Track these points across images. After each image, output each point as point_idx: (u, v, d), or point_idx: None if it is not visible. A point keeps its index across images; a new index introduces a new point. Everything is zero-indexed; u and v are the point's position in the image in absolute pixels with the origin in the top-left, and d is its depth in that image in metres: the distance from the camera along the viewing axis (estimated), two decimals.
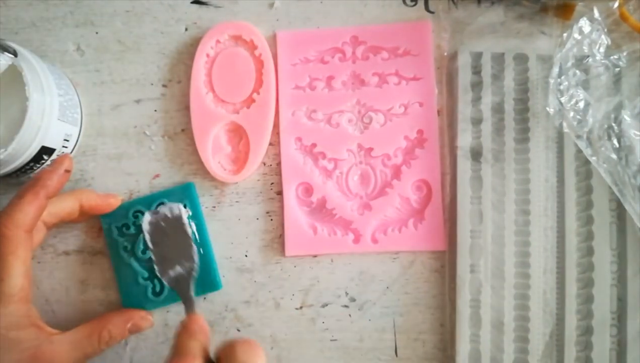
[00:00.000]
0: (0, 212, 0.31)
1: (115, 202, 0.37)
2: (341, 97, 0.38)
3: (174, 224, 0.36)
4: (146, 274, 0.36)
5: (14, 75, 0.32)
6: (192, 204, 0.37)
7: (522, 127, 0.36)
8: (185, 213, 0.36)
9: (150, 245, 0.35)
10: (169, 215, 0.36)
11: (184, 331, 0.30)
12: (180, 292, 0.34)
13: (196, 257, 0.35)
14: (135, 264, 0.36)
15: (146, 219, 0.36)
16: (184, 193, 0.37)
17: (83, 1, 0.39)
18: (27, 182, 0.32)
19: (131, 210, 0.37)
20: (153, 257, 0.35)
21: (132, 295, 0.37)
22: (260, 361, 0.27)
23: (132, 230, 0.37)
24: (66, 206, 0.34)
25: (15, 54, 0.32)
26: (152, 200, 0.37)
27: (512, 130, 0.36)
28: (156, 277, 0.36)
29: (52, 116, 0.34)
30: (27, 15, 0.39)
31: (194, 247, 0.35)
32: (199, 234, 0.37)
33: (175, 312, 0.38)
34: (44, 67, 0.34)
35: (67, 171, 0.33)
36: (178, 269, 0.35)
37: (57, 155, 0.36)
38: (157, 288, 0.36)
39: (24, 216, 0.31)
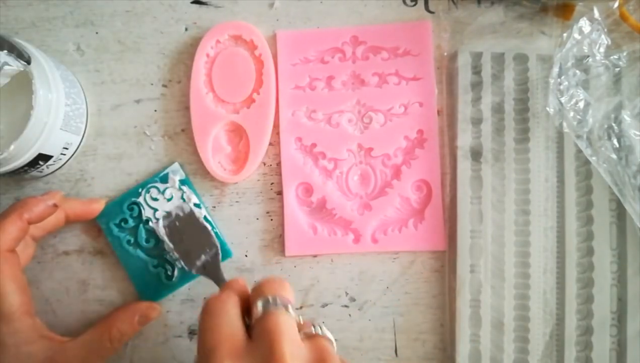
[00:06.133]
0: None
1: (99, 207, 0.37)
2: (341, 97, 0.38)
3: (187, 220, 0.36)
4: (155, 261, 0.37)
5: (24, 75, 0.32)
6: (183, 181, 0.38)
7: (522, 127, 0.36)
8: (194, 207, 0.37)
9: (171, 245, 0.36)
10: (181, 213, 0.36)
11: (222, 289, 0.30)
12: (210, 276, 0.35)
13: (216, 240, 0.36)
14: (142, 254, 0.37)
15: (161, 224, 0.36)
16: (172, 172, 0.38)
17: (83, 1, 0.39)
18: (12, 204, 0.32)
19: (125, 204, 0.37)
20: (176, 255, 0.35)
21: (147, 285, 0.37)
22: (285, 291, 0.28)
23: (131, 223, 0.37)
24: (52, 218, 0.34)
25: (28, 61, 0.32)
26: (141, 187, 0.37)
27: (512, 130, 0.36)
28: (166, 261, 0.37)
29: (53, 128, 0.34)
30: (27, 15, 0.39)
31: (212, 233, 0.36)
32: (197, 210, 0.37)
33: (175, 312, 0.38)
34: (56, 75, 0.34)
35: (55, 206, 0.33)
36: (203, 257, 0.35)
37: (54, 161, 0.36)
38: (169, 272, 0.37)
39: (4, 236, 0.31)
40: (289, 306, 0.27)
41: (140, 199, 0.37)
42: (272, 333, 0.25)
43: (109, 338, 0.33)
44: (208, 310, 0.27)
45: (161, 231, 0.36)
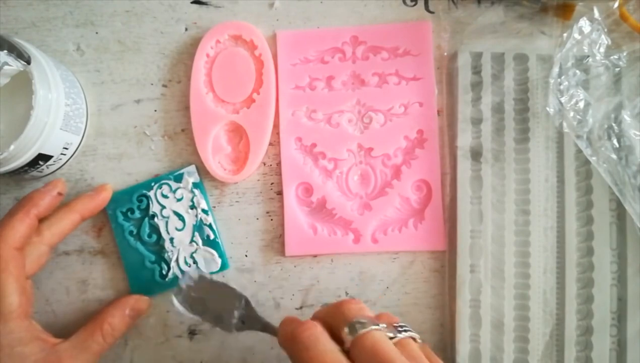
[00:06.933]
0: None
1: (107, 194, 0.37)
2: (341, 97, 0.38)
3: (200, 286, 0.34)
4: (153, 258, 0.37)
5: (24, 75, 0.32)
6: (196, 185, 0.37)
7: (522, 127, 0.36)
8: (202, 270, 0.35)
9: (197, 317, 0.33)
10: (192, 283, 0.34)
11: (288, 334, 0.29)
12: (255, 327, 0.33)
13: (239, 291, 0.34)
14: (141, 248, 0.37)
15: (176, 302, 0.33)
16: (188, 173, 0.37)
17: (83, 1, 0.39)
18: (19, 201, 0.32)
19: (135, 195, 0.37)
20: (209, 323, 0.33)
21: (139, 280, 0.37)
22: (366, 311, 0.28)
23: (137, 214, 0.37)
24: (67, 223, 0.34)
25: (28, 61, 0.32)
26: (155, 182, 0.37)
27: (512, 130, 0.36)
28: (163, 260, 0.36)
29: (53, 128, 0.33)
30: (27, 15, 0.39)
31: (231, 286, 0.34)
32: (204, 216, 0.37)
33: (175, 312, 0.38)
34: (56, 75, 0.34)
35: (60, 194, 0.33)
36: (236, 313, 0.33)
37: (54, 161, 0.36)
38: (164, 271, 0.37)
39: (14, 233, 0.31)
40: (377, 324, 0.26)
41: (151, 193, 0.37)
42: (378, 356, 0.24)
43: (101, 334, 0.33)
44: (303, 344, 0.26)
45: (180, 309, 0.33)
